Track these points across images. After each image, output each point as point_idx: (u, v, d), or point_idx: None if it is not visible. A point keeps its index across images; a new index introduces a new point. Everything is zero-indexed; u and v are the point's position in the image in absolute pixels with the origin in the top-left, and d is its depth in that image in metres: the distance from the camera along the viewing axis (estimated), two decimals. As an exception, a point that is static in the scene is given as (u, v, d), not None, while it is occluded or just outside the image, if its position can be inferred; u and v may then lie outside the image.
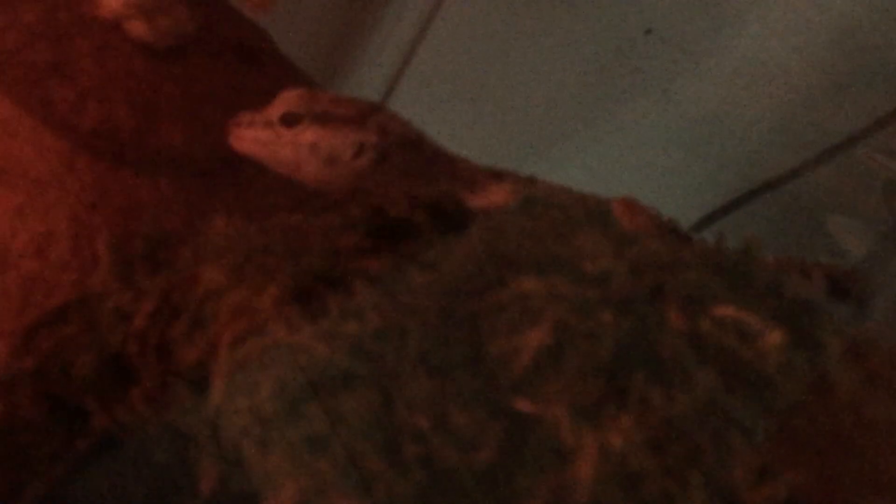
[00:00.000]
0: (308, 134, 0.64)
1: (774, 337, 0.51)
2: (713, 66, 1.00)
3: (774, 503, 0.47)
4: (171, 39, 0.79)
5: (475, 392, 0.49)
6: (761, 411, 0.49)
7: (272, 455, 0.49)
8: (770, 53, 0.97)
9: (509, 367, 0.50)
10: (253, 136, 0.66)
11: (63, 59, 0.77)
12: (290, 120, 0.65)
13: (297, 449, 0.48)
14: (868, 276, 0.63)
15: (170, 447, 0.58)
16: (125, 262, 0.63)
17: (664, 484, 0.47)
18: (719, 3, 0.99)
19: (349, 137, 0.63)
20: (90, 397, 0.59)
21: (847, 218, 0.96)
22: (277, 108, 0.65)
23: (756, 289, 0.55)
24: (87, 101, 0.76)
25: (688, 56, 1.01)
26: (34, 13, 0.79)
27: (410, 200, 0.60)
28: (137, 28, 0.78)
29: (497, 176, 0.66)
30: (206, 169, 0.77)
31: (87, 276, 0.73)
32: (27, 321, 0.71)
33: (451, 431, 0.48)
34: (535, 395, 0.49)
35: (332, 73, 1.13)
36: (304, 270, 0.54)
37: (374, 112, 0.65)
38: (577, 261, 0.54)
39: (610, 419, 0.48)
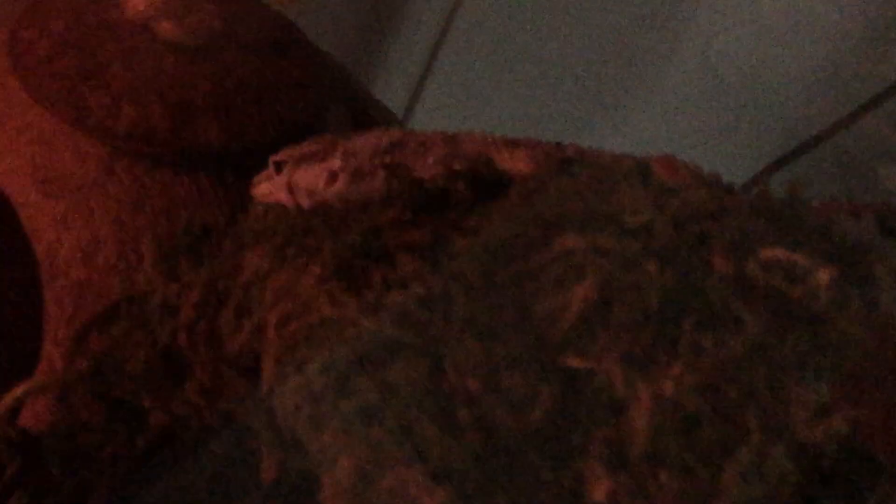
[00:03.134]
0: (289, 176, 0.68)
1: (824, 274, 0.50)
2: (750, 22, 0.99)
3: (835, 440, 0.46)
4: (201, 37, 0.79)
5: (524, 352, 0.49)
6: (816, 349, 0.48)
7: (326, 431, 0.49)
8: (807, 4, 0.96)
9: (556, 325, 0.49)
10: (261, 191, 0.70)
11: (94, 64, 0.77)
12: (278, 167, 0.69)
13: (350, 422, 0.48)
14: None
15: (228, 437, 0.58)
16: (169, 258, 0.63)
17: (720, 427, 0.46)
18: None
19: (317, 169, 0.66)
20: (146, 394, 0.60)
21: (900, 166, 0.95)
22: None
23: (803, 231, 0.54)
24: (121, 104, 0.76)
25: (723, 14, 1.00)
26: (62, 22, 0.79)
27: (447, 171, 0.59)
28: (166, 28, 0.78)
29: (511, 143, 0.66)
30: (245, 163, 0.77)
31: (135, 278, 0.73)
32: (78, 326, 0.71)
33: (502, 393, 0.48)
34: (585, 351, 0.49)
35: (363, 61, 1.13)
36: (346, 247, 0.54)
37: (342, 141, 0.67)
38: (618, 215, 0.53)
39: (662, 367, 0.47)
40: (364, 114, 0.84)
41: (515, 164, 0.63)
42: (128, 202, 0.76)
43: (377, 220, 0.56)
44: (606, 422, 0.47)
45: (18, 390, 0.62)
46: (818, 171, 0.96)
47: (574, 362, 0.48)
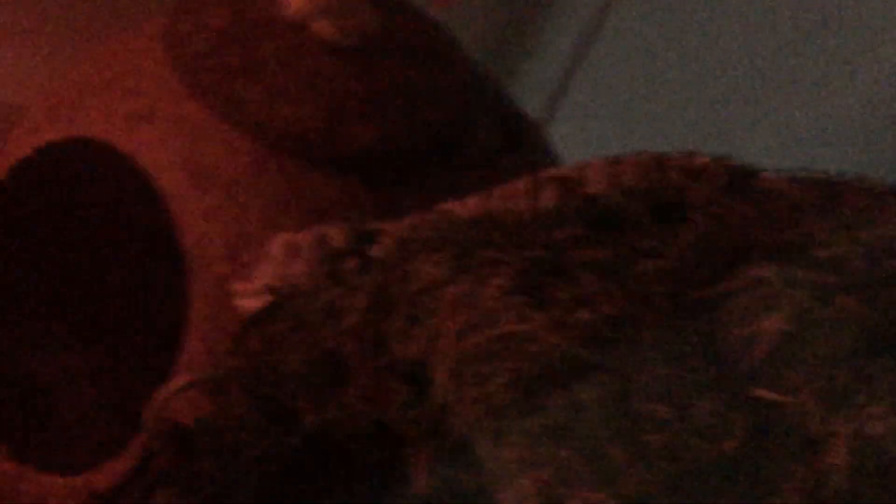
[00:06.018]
0: None
1: None
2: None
3: None
4: (357, 39, 0.78)
5: (714, 380, 0.48)
6: None
7: (507, 447, 0.48)
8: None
9: (747, 355, 0.48)
10: (250, 305, 0.67)
11: (251, 60, 0.77)
12: (273, 290, 0.65)
13: (536, 440, 0.47)
14: None
15: (378, 445, 0.57)
16: (334, 260, 0.62)
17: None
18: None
19: None
20: (302, 396, 0.59)
21: None
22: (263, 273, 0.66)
23: None
24: (276, 102, 0.76)
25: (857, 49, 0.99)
26: (221, 17, 0.79)
27: (624, 190, 0.58)
28: (324, 28, 0.78)
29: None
30: (396, 168, 0.77)
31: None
32: (221, 324, 0.71)
33: (692, 421, 0.47)
34: (777, 384, 0.47)
35: (510, 65, 1.12)
36: (529, 261, 0.53)
37: None
38: (809, 246, 0.52)
39: (861, 406, 0.46)
40: (514, 128, 0.84)
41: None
42: (278, 201, 0.75)
43: (554, 234, 0.55)
44: (802, 459, 0.46)
45: (176, 383, 0.62)
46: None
47: (765, 394, 0.47)
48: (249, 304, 0.67)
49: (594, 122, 1.10)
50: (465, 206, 0.61)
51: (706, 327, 0.50)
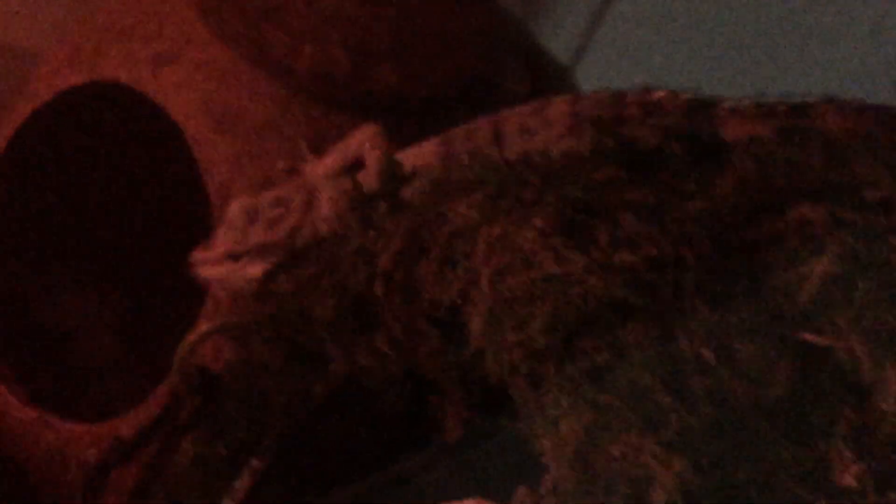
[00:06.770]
0: (249, 268, 0.65)
1: None
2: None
3: None
4: (383, -20, 0.77)
5: (759, 324, 0.46)
6: None
7: (548, 392, 0.47)
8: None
9: (794, 298, 0.47)
10: (212, 273, 0.67)
11: (276, 2, 0.76)
12: (234, 257, 0.66)
13: (577, 384, 0.46)
14: None
15: (408, 393, 0.57)
16: (361, 200, 0.61)
17: None
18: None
19: None
20: (330, 342, 0.58)
21: None
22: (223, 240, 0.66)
23: None
24: (301, 44, 0.74)
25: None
26: (246, -42, 0.78)
27: (663, 131, 0.57)
28: (349, -32, 0.77)
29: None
30: (422, 110, 0.76)
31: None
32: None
33: (737, 364, 0.45)
34: (825, 327, 0.46)
35: (538, 10, 1.11)
36: (567, 202, 0.51)
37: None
38: (856, 188, 0.51)
39: (912, 350, 0.45)
40: (539, 69, 0.82)
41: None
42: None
43: (592, 175, 0.54)
44: (850, 404, 0.44)
45: (202, 328, 0.61)
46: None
47: (813, 338, 0.46)
48: (210, 272, 0.66)
49: (621, 66, 1.08)
50: (500, 147, 0.60)
51: (751, 270, 0.49)
